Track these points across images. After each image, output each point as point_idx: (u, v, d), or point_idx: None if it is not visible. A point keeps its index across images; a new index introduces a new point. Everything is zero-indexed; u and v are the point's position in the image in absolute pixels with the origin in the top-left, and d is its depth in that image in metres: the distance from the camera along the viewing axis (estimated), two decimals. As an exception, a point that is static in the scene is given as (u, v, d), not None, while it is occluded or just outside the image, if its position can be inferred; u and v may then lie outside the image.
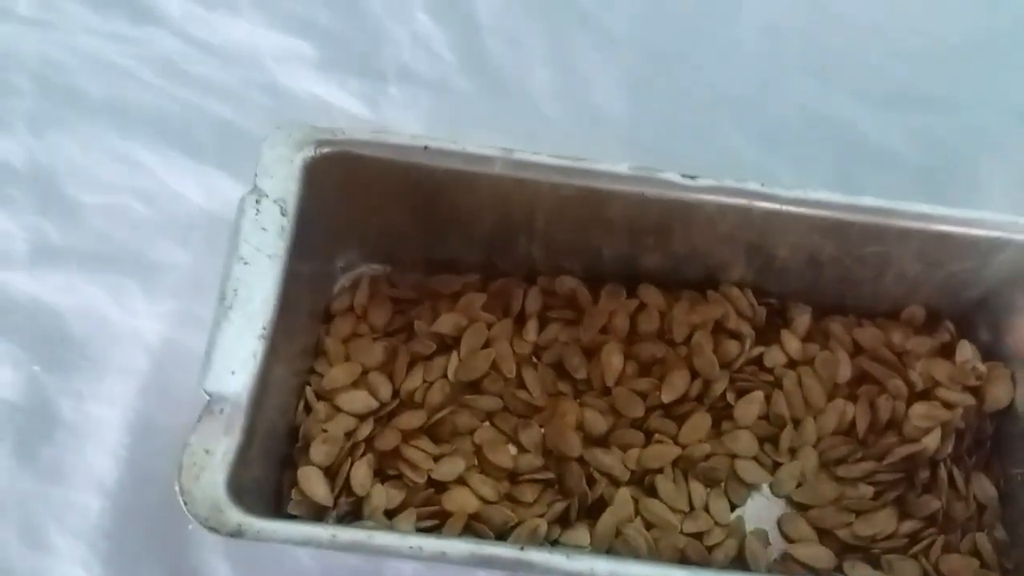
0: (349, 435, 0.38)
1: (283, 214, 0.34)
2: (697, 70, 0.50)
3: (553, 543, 0.36)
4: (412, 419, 0.39)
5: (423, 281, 0.42)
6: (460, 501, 0.37)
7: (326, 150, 0.36)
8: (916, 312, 0.41)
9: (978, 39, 0.52)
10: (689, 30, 0.51)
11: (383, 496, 0.37)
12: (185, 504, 0.30)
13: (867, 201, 0.37)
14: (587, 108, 0.49)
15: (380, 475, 0.38)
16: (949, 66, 0.51)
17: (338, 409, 0.38)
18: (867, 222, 0.37)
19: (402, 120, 0.47)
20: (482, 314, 0.41)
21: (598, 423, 0.39)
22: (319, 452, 0.37)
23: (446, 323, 0.41)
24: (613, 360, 0.40)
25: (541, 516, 0.37)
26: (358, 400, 0.39)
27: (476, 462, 0.38)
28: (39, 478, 0.38)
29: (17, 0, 0.48)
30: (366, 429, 0.38)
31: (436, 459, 0.38)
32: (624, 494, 0.37)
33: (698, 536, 0.37)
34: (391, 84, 0.48)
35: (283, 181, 0.35)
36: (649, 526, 0.37)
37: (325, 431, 0.37)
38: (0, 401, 0.39)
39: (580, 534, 0.37)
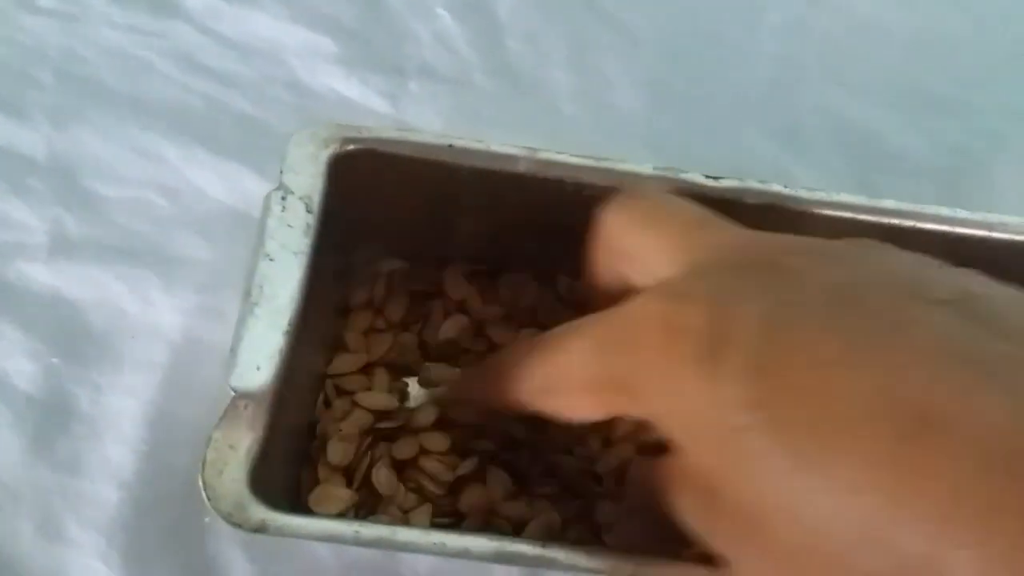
0: (368, 432, 0.38)
1: (308, 211, 0.34)
2: (717, 71, 0.50)
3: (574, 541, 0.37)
4: (428, 416, 0.39)
5: (439, 275, 0.42)
6: (474, 500, 0.37)
7: (351, 147, 0.36)
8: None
9: (996, 44, 0.52)
10: (710, 31, 0.51)
11: (402, 497, 0.37)
12: (209, 500, 0.30)
13: (889, 204, 0.37)
14: (607, 108, 0.49)
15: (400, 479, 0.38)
16: (967, 70, 0.51)
17: (356, 405, 0.39)
18: (889, 224, 0.37)
19: (423, 117, 0.47)
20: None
21: None
22: (337, 450, 0.37)
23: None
24: None
25: (554, 511, 0.37)
26: (377, 397, 0.39)
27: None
28: (57, 470, 0.38)
29: (38, -8, 0.48)
30: (385, 426, 0.38)
31: (454, 467, 0.38)
32: None
33: None
34: (412, 81, 0.48)
35: (309, 178, 0.35)
36: None
37: (340, 429, 0.37)
38: (18, 393, 0.39)
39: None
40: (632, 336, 0.26)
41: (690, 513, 0.26)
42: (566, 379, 0.29)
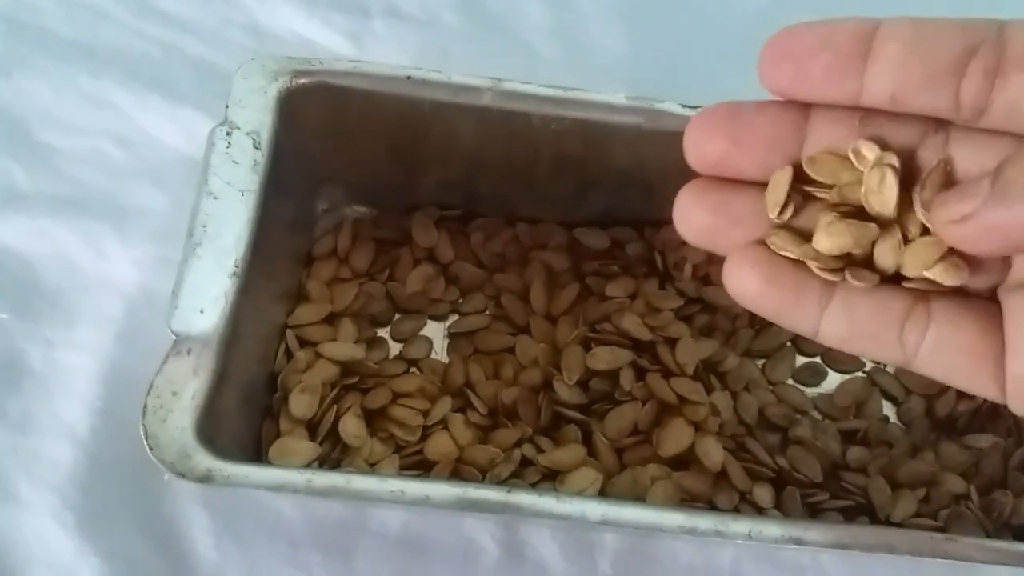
0: (333, 385, 0.36)
1: (256, 147, 0.32)
2: (696, 5, 0.48)
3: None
4: (397, 366, 0.38)
5: (406, 222, 0.41)
6: (442, 448, 0.36)
7: (303, 81, 0.34)
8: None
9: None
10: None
11: (369, 450, 0.35)
12: (151, 449, 0.28)
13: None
14: (581, 45, 0.47)
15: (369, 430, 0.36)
16: (955, 7, 0.48)
17: (320, 356, 0.37)
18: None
19: (388, 58, 0.44)
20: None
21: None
22: (300, 402, 0.35)
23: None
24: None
25: (516, 446, 0.36)
26: (342, 348, 0.37)
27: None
28: (8, 429, 0.36)
29: (-15, -61, 0.46)
30: (351, 378, 0.37)
31: (426, 413, 0.37)
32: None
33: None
34: (376, 20, 0.46)
35: (257, 112, 0.33)
36: None
37: (302, 381, 0.36)
38: (-33, 351, 0.37)
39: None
40: None
41: None
42: None
